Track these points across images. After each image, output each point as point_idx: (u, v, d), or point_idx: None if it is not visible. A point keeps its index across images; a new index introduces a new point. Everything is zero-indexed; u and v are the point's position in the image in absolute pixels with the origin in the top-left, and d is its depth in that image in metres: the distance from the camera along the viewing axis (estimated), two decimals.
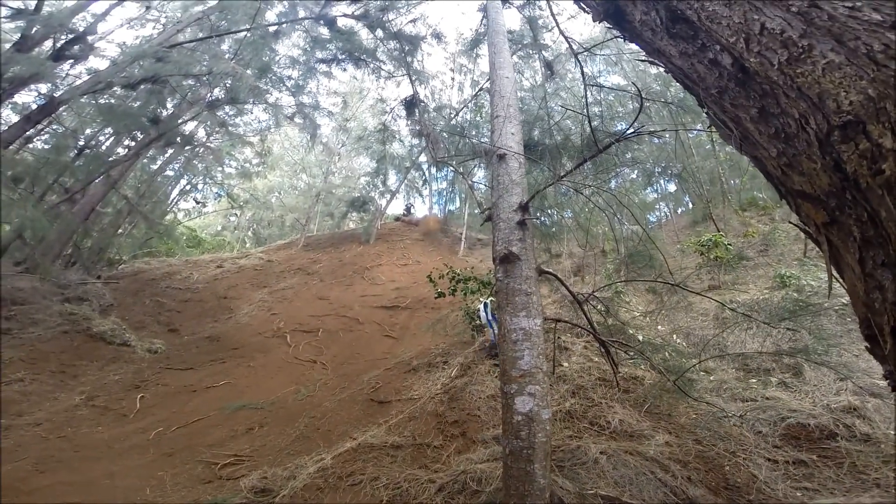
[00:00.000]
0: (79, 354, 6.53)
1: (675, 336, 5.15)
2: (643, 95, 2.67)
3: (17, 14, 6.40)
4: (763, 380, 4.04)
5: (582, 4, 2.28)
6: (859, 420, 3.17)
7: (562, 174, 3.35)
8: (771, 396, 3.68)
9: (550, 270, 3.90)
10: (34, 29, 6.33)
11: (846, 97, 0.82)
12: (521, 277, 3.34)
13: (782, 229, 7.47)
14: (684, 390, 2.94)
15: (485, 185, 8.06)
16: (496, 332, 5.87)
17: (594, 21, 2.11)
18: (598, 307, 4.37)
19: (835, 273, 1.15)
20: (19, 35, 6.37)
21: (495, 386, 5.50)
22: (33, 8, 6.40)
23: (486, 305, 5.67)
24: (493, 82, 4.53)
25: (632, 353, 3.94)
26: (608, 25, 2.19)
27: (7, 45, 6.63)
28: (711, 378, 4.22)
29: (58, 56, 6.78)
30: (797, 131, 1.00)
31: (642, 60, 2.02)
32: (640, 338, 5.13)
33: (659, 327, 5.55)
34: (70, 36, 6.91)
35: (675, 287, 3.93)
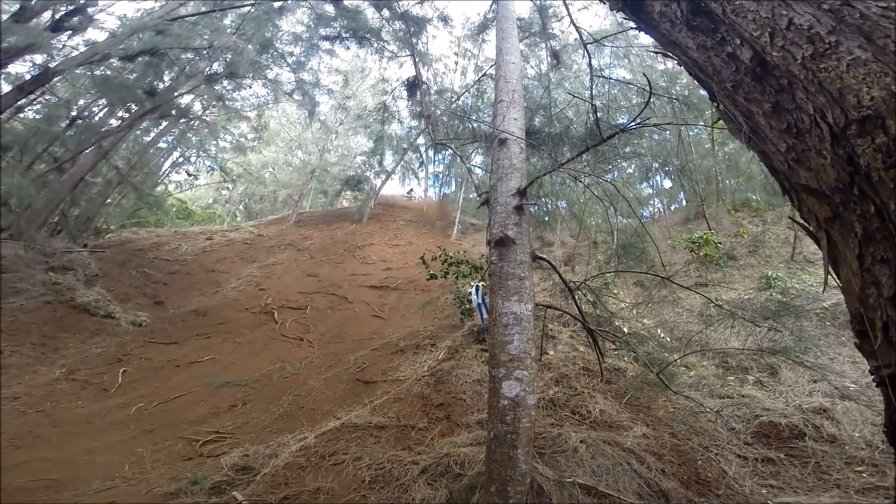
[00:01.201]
0: (61, 326, 6.43)
1: (659, 330, 5.23)
2: (649, 89, 2.61)
3: None
4: (741, 378, 4.14)
5: None
6: (828, 421, 3.28)
7: (562, 161, 3.30)
8: (747, 394, 3.78)
9: (544, 256, 3.89)
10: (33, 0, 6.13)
11: (868, 92, 0.83)
12: (516, 262, 3.34)
13: (772, 231, 7.56)
14: (666, 383, 2.99)
15: (482, 170, 7.99)
16: (485, 316, 5.89)
17: (612, 10, 2.07)
18: (588, 297, 4.41)
19: (831, 272, 1.18)
20: (18, 5, 6.19)
21: (482, 371, 5.55)
22: None
23: (477, 289, 5.68)
24: (499, 67, 4.46)
25: (618, 344, 3.99)
26: (623, 16, 2.14)
27: (5, 17, 6.45)
28: (691, 373, 4.31)
29: (56, 27, 6.61)
30: (810, 127, 1.01)
31: (653, 52, 1.99)
32: (626, 329, 5.20)
33: (644, 320, 5.62)
34: (70, 7, 6.71)
35: (664, 280, 3.96)
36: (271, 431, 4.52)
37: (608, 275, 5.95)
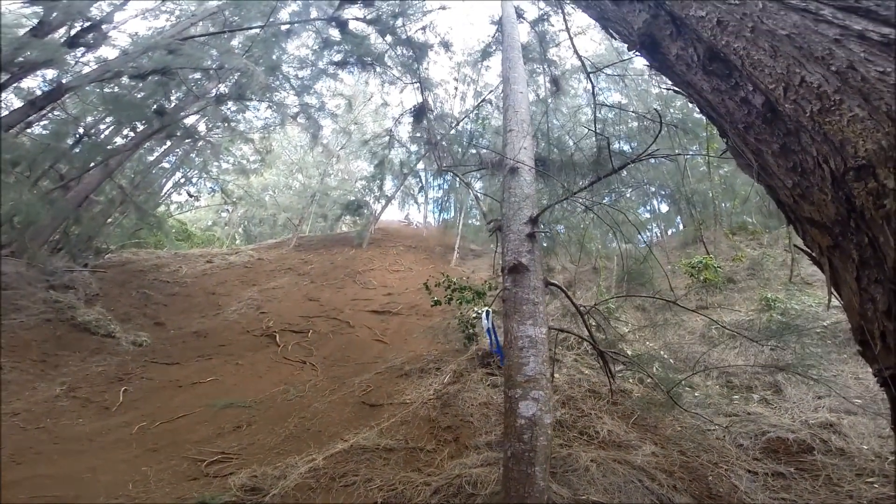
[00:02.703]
0: (61, 344, 6.36)
1: (663, 352, 5.32)
2: (650, 117, 2.83)
3: None
4: (745, 396, 4.22)
5: (612, 32, 2.44)
6: (835, 435, 3.35)
7: (576, 190, 3.48)
8: (753, 412, 3.86)
9: (556, 283, 4.03)
10: (53, 15, 6.26)
11: (863, 145, 0.97)
12: (530, 287, 3.46)
13: (770, 255, 7.81)
14: (676, 402, 3.08)
15: (487, 196, 8.18)
16: (493, 341, 5.94)
17: (629, 49, 2.27)
18: (592, 322, 4.52)
19: (834, 292, 1.33)
20: (37, 21, 6.30)
21: (488, 394, 5.56)
22: None
23: (487, 313, 5.77)
24: (507, 97, 4.69)
25: (629, 365, 4.08)
26: (636, 53, 2.35)
27: (22, 31, 6.58)
28: (696, 393, 4.38)
29: (72, 43, 6.72)
30: (814, 168, 1.15)
31: (668, 89, 2.18)
32: (629, 352, 5.28)
33: (647, 343, 5.72)
34: (86, 24, 6.85)
35: (669, 304, 4.09)
36: (278, 453, 4.46)
37: (616, 298, 6.08)
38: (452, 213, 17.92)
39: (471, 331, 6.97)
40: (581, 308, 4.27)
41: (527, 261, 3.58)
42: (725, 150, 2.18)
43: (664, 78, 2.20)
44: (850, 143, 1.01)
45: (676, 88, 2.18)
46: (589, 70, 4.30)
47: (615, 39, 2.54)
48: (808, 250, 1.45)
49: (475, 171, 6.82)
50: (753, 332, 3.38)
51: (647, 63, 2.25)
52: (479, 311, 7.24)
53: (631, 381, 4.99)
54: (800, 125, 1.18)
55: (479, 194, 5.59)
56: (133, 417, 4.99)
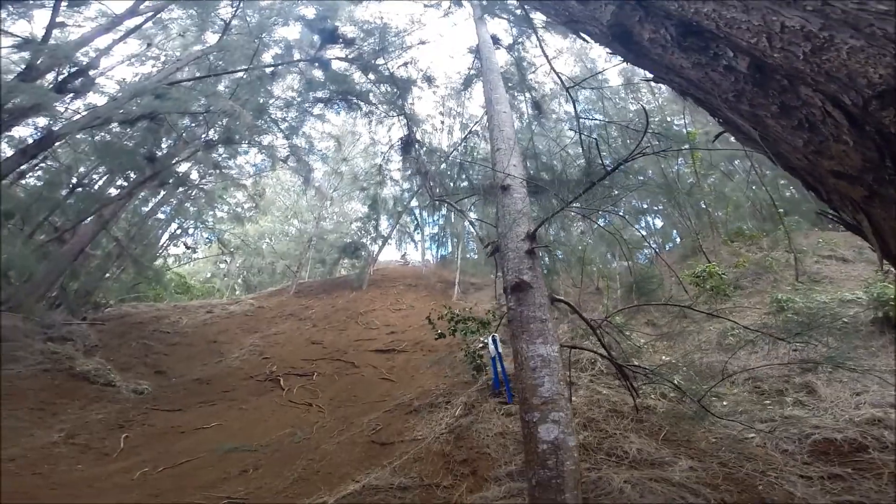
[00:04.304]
0: (59, 392, 6.14)
1: (679, 364, 5.16)
2: (633, 127, 2.91)
3: (25, 44, 6.37)
4: (777, 400, 4.02)
5: (583, 35, 2.54)
6: (887, 431, 3.15)
7: (570, 200, 3.51)
8: (790, 415, 3.66)
9: (562, 298, 3.96)
10: (39, 60, 6.30)
11: (875, 72, 0.94)
12: (535, 305, 3.36)
13: (772, 256, 7.80)
14: (709, 411, 2.93)
15: (483, 222, 8.23)
16: (498, 372, 5.76)
17: (601, 45, 2.33)
18: (608, 336, 4.41)
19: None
20: (24, 66, 6.33)
21: (503, 423, 5.31)
22: (41, 38, 6.39)
23: (494, 339, 5.63)
24: (492, 118, 4.80)
25: (651, 378, 3.92)
26: (609, 51, 2.40)
27: (9, 76, 6.48)
28: (724, 402, 4.20)
29: (60, 89, 6.73)
30: (823, 118, 1.09)
31: (648, 80, 2.22)
32: (647, 366, 5.12)
33: (662, 357, 5.56)
34: (73, 69, 6.90)
35: (682, 313, 4.03)
36: (287, 496, 4.20)
37: (625, 311, 5.98)
38: (450, 249, 17.98)
39: (478, 361, 6.80)
40: (592, 323, 4.17)
41: (529, 277, 3.50)
42: (721, 132, 2.16)
43: (654, 73, 2.17)
44: (858, 74, 0.97)
45: (656, 77, 2.16)
46: (567, 85, 4.47)
47: (587, 42, 2.65)
48: (836, 212, 1.34)
49: (467, 197, 6.90)
50: (777, 330, 3.28)
51: (623, 57, 2.22)
52: (484, 340, 7.10)
53: (653, 396, 4.80)
54: (795, 73, 1.14)
55: (473, 220, 5.62)
56: (134, 463, 4.75)
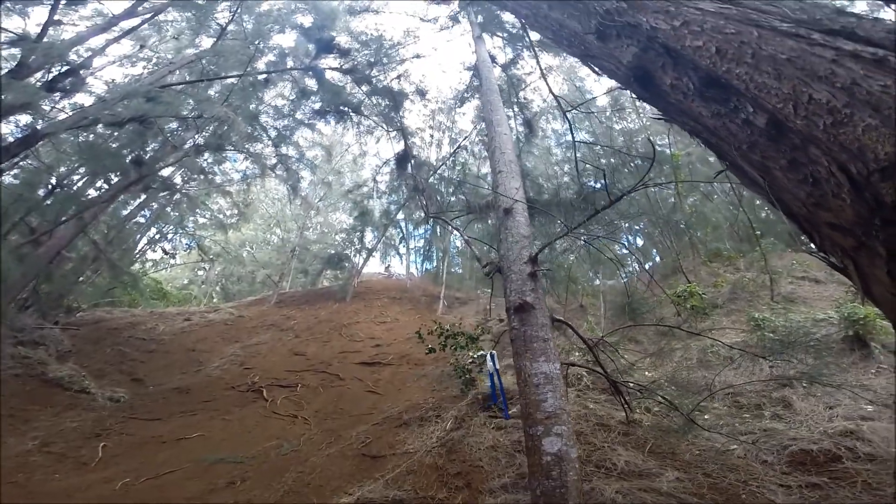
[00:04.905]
0: (31, 399, 5.86)
1: (663, 380, 5.39)
2: (635, 154, 3.16)
3: (19, 40, 6.23)
4: (756, 414, 4.28)
5: (595, 68, 2.72)
6: (859, 442, 3.40)
7: (574, 226, 3.70)
8: (768, 428, 3.89)
9: (562, 319, 4.14)
10: (31, 57, 6.12)
11: (882, 149, 1.10)
12: (538, 325, 3.53)
13: (749, 278, 8.27)
14: (697, 423, 3.12)
15: (474, 240, 8.30)
16: (495, 388, 5.84)
17: (620, 84, 2.51)
18: (594, 356, 4.58)
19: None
20: (16, 62, 6.12)
21: (494, 437, 5.37)
22: (37, 35, 6.22)
23: (492, 355, 5.73)
24: (493, 139, 4.89)
25: (642, 393, 4.12)
26: (621, 87, 2.58)
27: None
28: (706, 416, 4.42)
29: (50, 87, 6.55)
30: (827, 177, 1.26)
31: (657, 118, 2.42)
32: (633, 384, 5.32)
33: (647, 373, 5.79)
34: (65, 68, 6.71)
35: (668, 332, 4.27)
36: None
37: (619, 331, 6.19)
38: (435, 263, 18.07)
39: (468, 376, 6.85)
40: (589, 342, 4.36)
41: (531, 299, 3.66)
42: (721, 170, 2.37)
43: (667, 115, 2.31)
44: (868, 149, 1.13)
45: (665, 117, 2.35)
46: (565, 109, 4.70)
47: (599, 75, 2.85)
48: (825, 257, 1.50)
49: (462, 216, 7.00)
50: (757, 349, 3.52)
51: (637, 96, 2.37)
52: (475, 356, 7.17)
53: (638, 410, 4.99)
54: (811, 138, 1.29)
55: (468, 239, 5.74)
56: (114, 473, 4.57)
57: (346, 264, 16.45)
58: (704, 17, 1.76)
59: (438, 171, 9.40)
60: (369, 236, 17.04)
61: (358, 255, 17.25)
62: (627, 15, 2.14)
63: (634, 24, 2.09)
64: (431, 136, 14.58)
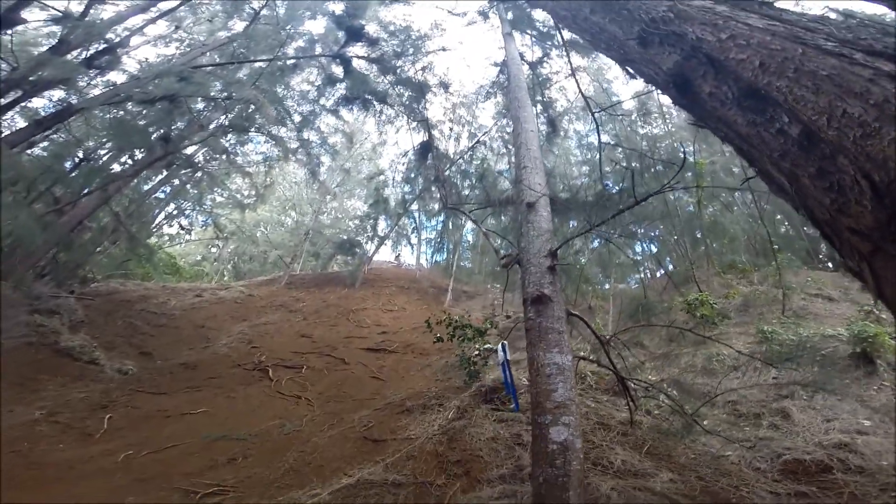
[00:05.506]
0: (41, 368, 6.02)
1: (665, 384, 5.40)
2: (659, 158, 3.13)
3: (62, 18, 6.39)
4: (754, 422, 4.30)
5: (632, 72, 2.73)
6: (852, 454, 3.45)
7: (596, 223, 3.70)
8: (764, 436, 3.93)
9: (577, 313, 4.14)
10: (72, 35, 6.30)
11: None
12: (554, 317, 3.58)
13: (761, 291, 8.18)
14: (700, 424, 3.14)
15: (491, 232, 8.26)
16: (507, 378, 5.87)
17: (658, 89, 2.53)
18: (605, 352, 4.59)
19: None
20: (57, 39, 6.32)
21: (495, 429, 5.42)
22: (81, 13, 6.43)
23: (503, 346, 5.78)
24: (519, 135, 4.96)
25: (650, 392, 4.15)
26: (659, 92, 2.60)
27: (37, 51, 6.49)
28: (705, 422, 4.43)
29: (88, 64, 6.74)
30: (851, 184, 1.33)
31: (693, 124, 2.43)
32: (636, 385, 5.32)
33: (650, 376, 5.78)
34: (103, 46, 6.90)
35: (677, 336, 4.25)
36: (279, 487, 4.23)
37: (627, 330, 6.19)
38: (445, 255, 18.09)
39: (473, 368, 6.90)
40: (602, 338, 4.37)
41: (549, 291, 3.71)
42: (750, 177, 2.38)
43: (701, 120, 2.32)
44: (892, 160, 1.20)
45: (700, 123, 2.39)
46: (593, 109, 4.69)
47: (635, 78, 2.86)
48: (845, 261, 1.57)
49: (480, 208, 7.03)
50: (755, 357, 3.53)
51: (673, 101, 2.47)
52: (481, 348, 7.21)
53: (638, 412, 5.00)
54: (841, 148, 1.36)
55: (486, 231, 5.77)
56: (118, 446, 4.69)
57: (358, 251, 16.54)
58: (752, 32, 1.82)
59: (456, 164, 9.43)
60: (382, 224, 17.12)
61: (370, 242, 17.35)
62: (673, 24, 2.21)
63: (680, 34, 2.16)
64: (451, 129, 14.50)
